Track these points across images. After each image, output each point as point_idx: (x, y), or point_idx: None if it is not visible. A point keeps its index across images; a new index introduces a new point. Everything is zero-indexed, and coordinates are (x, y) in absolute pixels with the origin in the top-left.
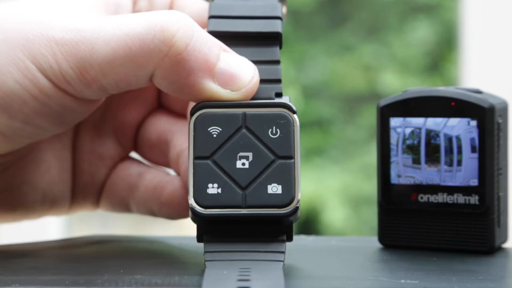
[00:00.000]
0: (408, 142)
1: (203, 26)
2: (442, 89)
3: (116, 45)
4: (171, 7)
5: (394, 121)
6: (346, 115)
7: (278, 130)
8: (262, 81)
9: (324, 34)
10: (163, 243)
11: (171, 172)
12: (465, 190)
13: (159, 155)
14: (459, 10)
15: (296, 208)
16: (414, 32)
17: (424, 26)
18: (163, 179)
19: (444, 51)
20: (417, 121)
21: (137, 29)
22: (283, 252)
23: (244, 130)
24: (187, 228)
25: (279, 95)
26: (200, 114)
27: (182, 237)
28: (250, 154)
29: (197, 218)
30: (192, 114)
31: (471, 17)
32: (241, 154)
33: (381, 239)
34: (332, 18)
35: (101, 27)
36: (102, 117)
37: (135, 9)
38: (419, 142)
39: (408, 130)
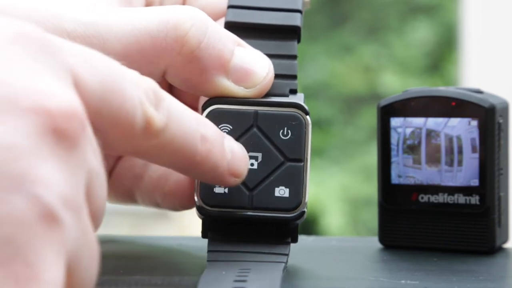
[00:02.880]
0: (408, 142)
1: (217, 17)
2: (442, 89)
3: (127, 41)
4: None
5: (395, 121)
6: (346, 116)
7: (289, 131)
8: (277, 76)
9: (324, 34)
10: (163, 243)
11: None
12: (466, 190)
13: None
14: (459, 10)
15: (303, 212)
16: (414, 32)
17: (424, 26)
18: (168, 169)
19: (444, 51)
20: (418, 121)
21: (149, 26)
22: (286, 255)
23: (255, 129)
24: (187, 228)
25: (293, 91)
26: (211, 110)
27: (182, 237)
28: (259, 155)
29: (202, 216)
30: (203, 110)
31: (471, 18)
32: (250, 154)
33: (382, 239)
34: (332, 18)
35: (113, 22)
36: None
37: (148, 0)
38: (419, 142)
39: (408, 130)
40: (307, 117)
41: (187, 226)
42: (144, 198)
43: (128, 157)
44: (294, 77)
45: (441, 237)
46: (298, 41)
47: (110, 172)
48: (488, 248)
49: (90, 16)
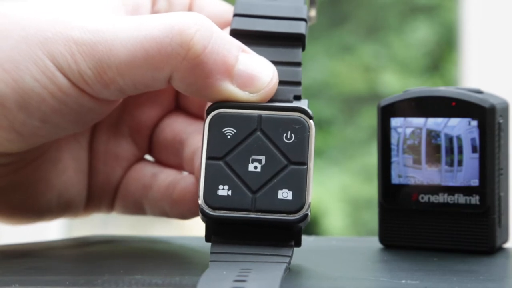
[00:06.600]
0: (408, 142)
1: (222, 26)
2: (442, 89)
3: (133, 47)
4: (190, 7)
5: (395, 121)
6: (346, 116)
7: (293, 135)
8: (282, 82)
9: (324, 34)
10: (163, 243)
11: (185, 173)
12: (466, 190)
13: (173, 155)
14: (459, 10)
15: (306, 215)
16: (414, 32)
17: (424, 26)
18: (176, 177)
19: (444, 51)
20: (418, 121)
21: (155, 32)
22: (289, 257)
23: (258, 133)
24: (187, 228)
25: (297, 97)
26: (215, 114)
27: (183, 237)
28: (263, 158)
29: (205, 218)
30: (207, 114)
31: (471, 18)
32: (254, 157)
33: (382, 239)
34: (332, 18)
35: (119, 28)
36: (118, 117)
37: (154, 10)
38: (419, 142)
39: (408, 130)
40: (311, 121)
41: (187, 226)
42: (152, 208)
43: (137, 168)
44: (298, 83)
45: (441, 237)
46: (303, 49)
47: (118, 184)
48: (488, 248)
49: (96, 24)
